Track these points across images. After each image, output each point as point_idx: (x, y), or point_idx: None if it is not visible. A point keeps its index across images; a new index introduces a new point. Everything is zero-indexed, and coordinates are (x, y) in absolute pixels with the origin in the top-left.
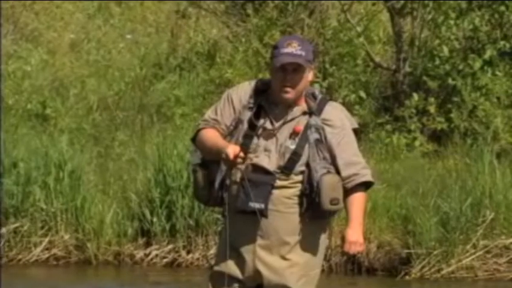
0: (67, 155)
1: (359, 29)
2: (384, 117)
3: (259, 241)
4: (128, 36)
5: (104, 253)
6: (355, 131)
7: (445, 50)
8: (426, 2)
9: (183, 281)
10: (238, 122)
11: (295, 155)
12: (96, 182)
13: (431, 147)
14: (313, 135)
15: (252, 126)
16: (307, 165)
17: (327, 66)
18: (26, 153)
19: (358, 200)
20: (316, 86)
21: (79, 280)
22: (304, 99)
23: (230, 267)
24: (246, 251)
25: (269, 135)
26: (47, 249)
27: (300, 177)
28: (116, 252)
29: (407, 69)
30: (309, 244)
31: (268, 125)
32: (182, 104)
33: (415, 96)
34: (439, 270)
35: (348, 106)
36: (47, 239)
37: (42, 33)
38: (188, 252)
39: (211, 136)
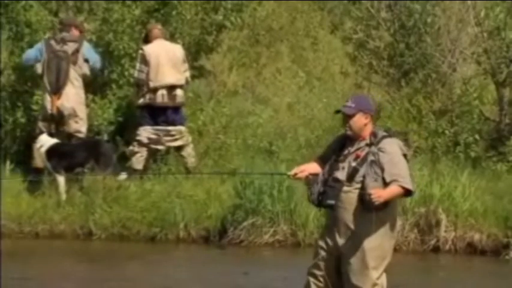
0: (285, 176)
1: (475, 95)
2: (492, 152)
3: (337, 225)
4: (324, 100)
5: (308, 238)
6: (405, 155)
7: None
8: None
9: None
10: (332, 153)
11: (355, 170)
12: (303, 192)
13: None
14: (370, 158)
15: (338, 155)
16: (364, 176)
17: (454, 119)
18: (260, 176)
19: (392, 187)
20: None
21: (293, 256)
22: (369, 135)
23: (324, 240)
24: (331, 231)
25: (345, 158)
26: (272, 235)
27: (359, 185)
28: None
29: (507, 121)
30: (365, 227)
31: (345, 152)
32: None
33: None
34: None
35: (468, 145)
36: (272, 229)
37: (270, 98)
38: None
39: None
